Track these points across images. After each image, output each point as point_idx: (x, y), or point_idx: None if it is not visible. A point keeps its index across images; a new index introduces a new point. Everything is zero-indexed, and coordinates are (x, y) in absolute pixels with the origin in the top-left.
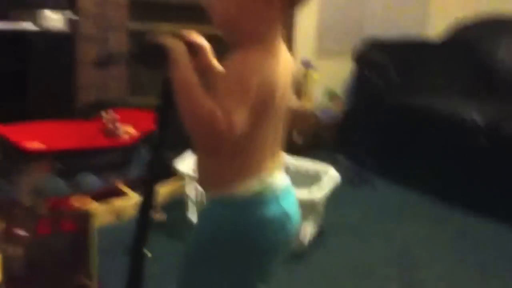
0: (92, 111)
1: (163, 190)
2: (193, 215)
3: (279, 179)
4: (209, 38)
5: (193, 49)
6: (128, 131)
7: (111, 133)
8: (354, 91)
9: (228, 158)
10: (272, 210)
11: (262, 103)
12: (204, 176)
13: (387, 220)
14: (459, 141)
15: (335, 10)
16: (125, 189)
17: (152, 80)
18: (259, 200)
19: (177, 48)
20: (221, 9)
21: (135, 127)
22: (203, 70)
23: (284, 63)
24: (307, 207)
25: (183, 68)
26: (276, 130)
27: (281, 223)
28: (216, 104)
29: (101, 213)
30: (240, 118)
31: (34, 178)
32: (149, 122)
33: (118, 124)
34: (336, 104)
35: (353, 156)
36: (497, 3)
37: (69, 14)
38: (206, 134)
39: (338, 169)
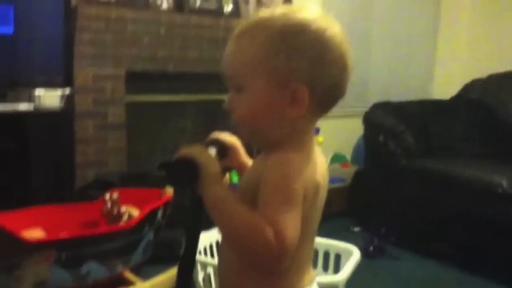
0: (92, 192)
1: (168, 276)
2: None
3: None
4: (206, 106)
5: (225, 150)
6: (131, 212)
7: (113, 217)
8: (366, 155)
9: (272, 276)
10: None
11: (307, 209)
12: None
13: None
14: (487, 209)
15: None
16: (131, 277)
17: (150, 149)
18: None
19: (207, 163)
20: (244, 113)
21: (138, 207)
22: (237, 169)
23: (320, 165)
24: None
25: (215, 186)
26: (314, 236)
27: None
28: (262, 219)
29: None
30: (292, 231)
31: (36, 270)
32: (152, 201)
33: (120, 206)
34: (345, 169)
35: (366, 224)
36: (500, 64)
37: (66, 90)
38: (257, 255)
39: (352, 240)
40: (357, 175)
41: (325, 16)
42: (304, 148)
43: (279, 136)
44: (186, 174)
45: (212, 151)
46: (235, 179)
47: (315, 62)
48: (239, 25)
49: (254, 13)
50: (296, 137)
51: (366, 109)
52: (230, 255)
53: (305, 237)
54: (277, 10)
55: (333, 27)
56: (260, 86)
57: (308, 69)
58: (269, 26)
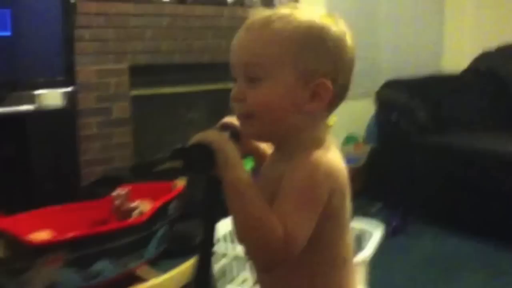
0: (99, 190)
1: (182, 270)
2: None
3: None
4: (213, 96)
5: (238, 134)
6: (141, 207)
7: (123, 213)
8: (379, 134)
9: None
10: None
11: (343, 206)
12: None
13: (438, 276)
14: (506, 181)
15: None
16: (144, 273)
17: (157, 143)
18: None
19: (225, 147)
20: (260, 103)
21: (148, 201)
22: (251, 154)
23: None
24: None
25: (235, 170)
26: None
27: None
28: (275, 215)
29: None
30: (302, 233)
31: (45, 273)
32: (163, 194)
33: (129, 201)
34: (358, 149)
35: (384, 203)
36: (509, 35)
37: (68, 88)
38: (260, 248)
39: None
40: (371, 155)
41: (340, 19)
42: (326, 142)
43: (293, 131)
44: (204, 159)
45: (226, 135)
46: (248, 166)
47: (338, 61)
48: (257, 15)
49: (270, 7)
50: (316, 133)
51: (377, 88)
52: None
53: (347, 228)
54: (296, 7)
55: (349, 33)
56: (285, 80)
57: (332, 67)
58: (293, 22)
